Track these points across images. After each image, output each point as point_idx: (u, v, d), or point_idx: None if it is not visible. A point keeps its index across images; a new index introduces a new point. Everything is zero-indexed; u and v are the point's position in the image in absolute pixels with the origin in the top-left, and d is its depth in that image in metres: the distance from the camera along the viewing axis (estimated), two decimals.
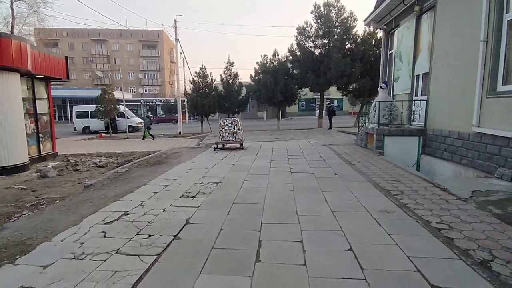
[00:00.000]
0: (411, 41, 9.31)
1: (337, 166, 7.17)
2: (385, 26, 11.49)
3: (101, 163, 9.90)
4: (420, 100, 8.35)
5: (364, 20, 12.10)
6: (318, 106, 53.23)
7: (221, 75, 20.76)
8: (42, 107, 10.38)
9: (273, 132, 18.30)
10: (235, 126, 10.52)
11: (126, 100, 48.67)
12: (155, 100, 49.40)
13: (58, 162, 10.17)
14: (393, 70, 11.39)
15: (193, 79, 20.32)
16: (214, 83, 20.59)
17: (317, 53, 20.22)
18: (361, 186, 5.22)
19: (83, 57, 58.08)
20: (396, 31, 10.74)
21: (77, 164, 9.67)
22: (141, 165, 8.28)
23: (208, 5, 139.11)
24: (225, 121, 10.58)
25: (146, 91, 60.54)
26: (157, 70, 61.30)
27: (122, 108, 23.77)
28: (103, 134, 21.10)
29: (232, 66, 20.74)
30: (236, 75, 20.73)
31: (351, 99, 43.30)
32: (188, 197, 4.83)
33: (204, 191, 5.16)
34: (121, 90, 33.71)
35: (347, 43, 19.52)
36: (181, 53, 22.59)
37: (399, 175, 6.12)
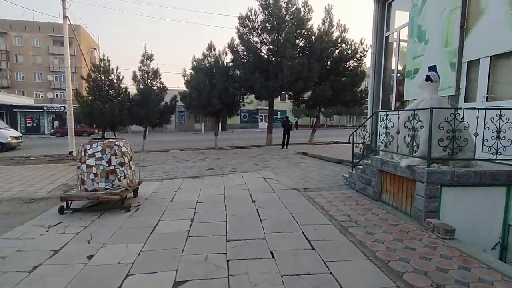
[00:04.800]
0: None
1: None
2: None
3: None
4: (502, 108, 3.85)
5: None
6: (261, 118, 49.12)
7: (134, 72, 14.76)
8: None
9: (208, 154, 12.86)
10: (112, 157, 4.91)
11: (23, 106, 38.44)
12: (64, 107, 39.87)
13: None
14: (396, 61, 7.02)
15: (89, 74, 13.92)
16: (123, 83, 14.48)
17: (264, 51, 15.58)
18: None
19: None
20: None
21: None
22: None
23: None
24: (87, 147, 4.90)
25: (57, 96, 49.80)
26: (73, 71, 51.07)
27: None
28: None
29: (151, 61, 14.92)
30: (156, 73, 14.93)
31: (296, 110, 40.27)
32: None
33: None
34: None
35: (301, 39, 15.28)
36: (73, 37, 15.88)
37: None
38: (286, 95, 17.44)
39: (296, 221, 4.14)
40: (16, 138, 17.02)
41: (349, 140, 6.85)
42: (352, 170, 6.01)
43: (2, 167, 9.86)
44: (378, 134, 5.21)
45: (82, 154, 4.92)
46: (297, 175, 7.33)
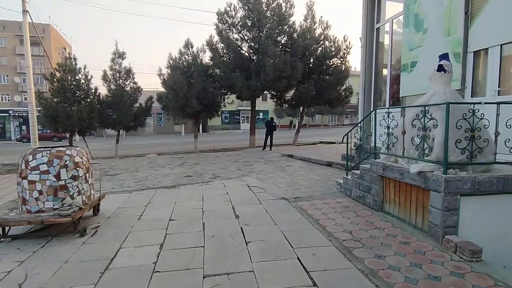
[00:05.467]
0: None
1: None
2: None
3: None
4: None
5: None
6: (243, 119, 48.26)
7: (104, 71, 13.60)
8: None
9: (187, 159, 11.96)
10: (62, 170, 4.01)
11: None
12: None
13: None
14: (390, 54, 6.48)
15: (52, 74, 12.67)
16: (92, 83, 13.29)
17: (245, 48, 14.85)
18: None
19: None
20: None
21: None
22: None
23: None
24: (29, 158, 3.98)
25: (26, 99, 46.72)
26: (42, 73, 48.30)
27: None
28: None
29: (122, 59, 13.81)
30: (129, 72, 13.83)
31: (279, 110, 39.74)
32: None
33: None
34: None
35: (283, 36, 14.66)
36: (36, 35, 14.47)
37: None
38: (269, 95, 16.79)
39: (289, 243, 3.41)
40: None
41: (342, 141, 6.21)
42: (347, 175, 5.37)
43: None
44: (376, 135, 4.58)
45: (23, 167, 3.98)
46: (285, 182, 6.62)
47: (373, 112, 4.68)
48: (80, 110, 12.14)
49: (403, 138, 3.79)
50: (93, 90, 13.42)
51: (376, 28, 6.89)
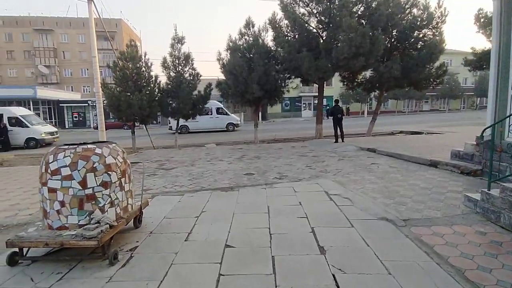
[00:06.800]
0: None
1: None
2: None
3: None
4: None
5: None
6: (305, 106, 45.66)
7: (164, 58, 13.07)
8: None
9: (246, 151, 10.82)
10: (89, 175, 2.99)
11: (70, 101, 39.78)
12: None
13: None
14: None
15: (115, 62, 12.54)
16: (152, 70, 12.90)
17: (313, 24, 12.96)
18: None
19: (24, 50, 48.30)
20: None
21: None
22: None
23: None
24: (50, 158, 3.05)
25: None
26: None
27: (16, 111, 15.62)
28: None
29: (182, 44, 13.12)
30: (188, 58, 13.10)
31: (345, 96, 36.48)
32: None
33: None
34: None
35: (360, 5, 12.34)
36: (115, 31, 14.56)
37: None
38: (337, 77, 14.70)
39: None
40: (51, 133, 16.56)
41: (482, 136, 4.26)
42: (489, 190, 3.49)
43: (10, 168, 8.76)
44: None
45: (43, 170, 3.07)
46: (378, 189, 4.91)
47: None
48: (140, 98, 11.81)
49: None
50: (153, 78, 13.06)
51: None
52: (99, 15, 14.26)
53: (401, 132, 14.71)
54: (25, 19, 47.75)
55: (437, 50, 11.65)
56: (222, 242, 3.23)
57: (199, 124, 22.45)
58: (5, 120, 15.23)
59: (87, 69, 49.51)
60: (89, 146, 3.17)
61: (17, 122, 15.56)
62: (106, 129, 13.40)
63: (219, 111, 24.07)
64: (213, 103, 22.30)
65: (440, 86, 17.87)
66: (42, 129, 16.28)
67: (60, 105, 37.36)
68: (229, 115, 24.81)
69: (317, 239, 3.19)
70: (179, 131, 21.83)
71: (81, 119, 38.86)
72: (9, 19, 47.19)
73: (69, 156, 3.02)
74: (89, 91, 48.75)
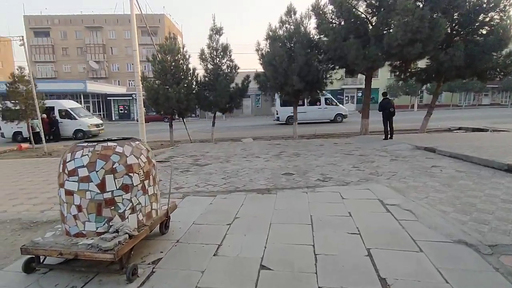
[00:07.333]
0: None
1: None
2: None
3: None
4: None
5: None
6: (347, 99, 43.30)
7: (202, 50, 12.81)
8: None
9: (285, 147, 10.20)
10: (108, 176, 2.61)
11: (116, 95, 41.93)
12: None
13: None
14: None
15: (154, 55, 12.53)
16: (189, 63, 12.72)
17: (361, 9, 11.81)
18: None
19: (77, 47, 51.78)
20: None
21: None
22: None
23: None
24: (67, 157, 2.72)
25: None
26: None
27: (66, 104, 16.46)
28: (24, 145, 13.68)
29: (220, 35, 12.75)
30: (225, 49, 12.70)
31: (393, 88, 33.91)
32: None
33: None
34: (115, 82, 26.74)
35: None
36: (158, 26, 14.66)
37: None
38: (387, 67, 13.36)
39: None
40: (97, 125, 17.29)
41: None
42: None
43: (57, 159, 9.02)
44: None
45: (61, 169, 2.76)
46: (445, 199, 4.05)
47: None
48: (178, 91, 11.69)
49: None
50: (191, 71, 12.88)
51: None
52: (140, 11, 14.38)
53: (459, 128, 13.08)
54: (78, 17, 51.00)
55: (506, 36, 9.93)
56: (257, 261, 2.70)
57: (308, 115, 21.29)
58: (56, 113, 16.17)
59: (132, 64, 51.65)
60: (109, 144, 2.80)
61: (66, 114, 16.46)
62: (147, 122, 13.69)
63: (327, 101, 22.44)
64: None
65: (506, 77, 15.64)
66: (89, 121, 17.08)
67: (108, 98, 39.52)
68: (338, 105, 23.13)
69: (376, 267, 2.52)
70: (285, 121, 21.69)
71: (126, 111, 40.82)
72: (64, 18, 50.76)
73: (87, 155, 2.66)
74: (133, 85, 51.03)
